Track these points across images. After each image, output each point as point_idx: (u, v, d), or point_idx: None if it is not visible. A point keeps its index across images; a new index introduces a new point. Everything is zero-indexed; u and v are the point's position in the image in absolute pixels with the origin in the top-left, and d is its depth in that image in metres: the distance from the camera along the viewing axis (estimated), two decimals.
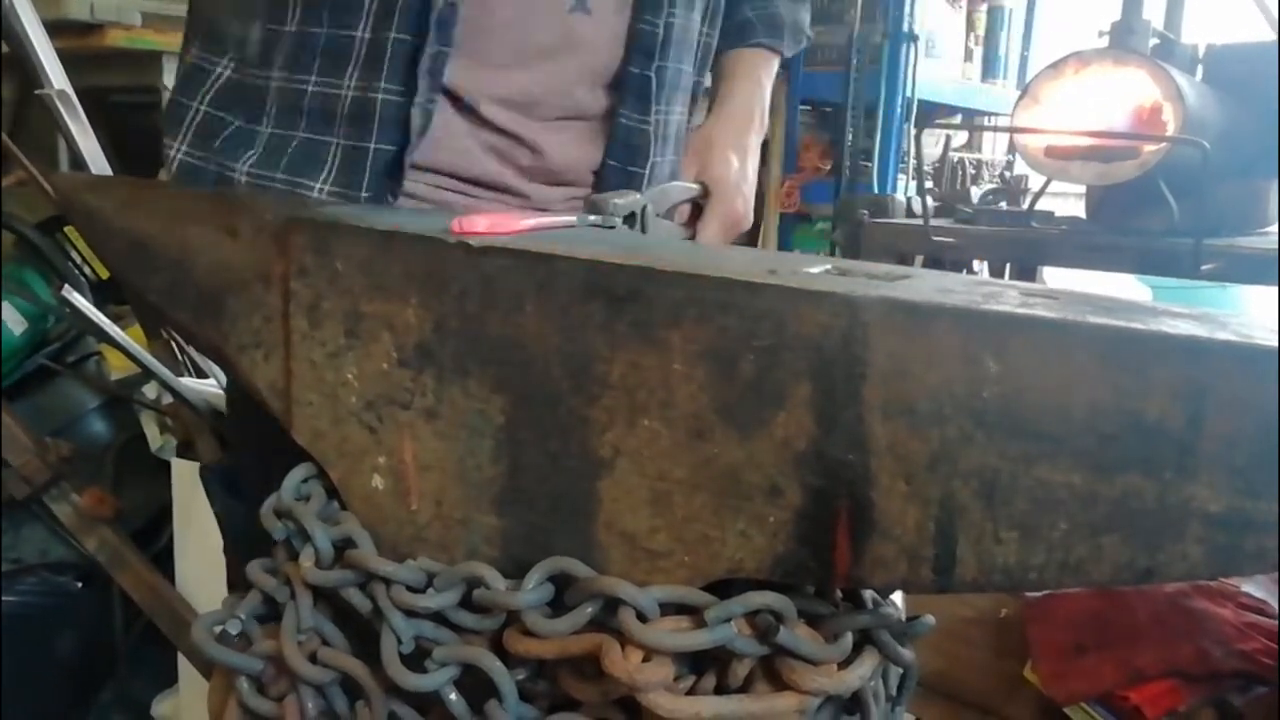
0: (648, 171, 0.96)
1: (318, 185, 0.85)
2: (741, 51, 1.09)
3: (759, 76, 1.09)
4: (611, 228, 0.79)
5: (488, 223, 0.64)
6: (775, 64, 1.11)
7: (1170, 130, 1.54)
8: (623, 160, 0.96)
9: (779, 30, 1.09)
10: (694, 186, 1.00)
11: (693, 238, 1.00)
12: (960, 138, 3.87)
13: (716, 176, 1.01)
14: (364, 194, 0.85)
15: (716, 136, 1.04)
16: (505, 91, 0.88)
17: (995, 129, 3.77)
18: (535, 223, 0.68)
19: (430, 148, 0.87)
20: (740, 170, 1.03)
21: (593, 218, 0.77)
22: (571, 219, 0.75)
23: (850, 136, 3.01)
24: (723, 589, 0.59)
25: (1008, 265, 2.30)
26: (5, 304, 1.97)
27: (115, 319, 1.89)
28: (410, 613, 0.63)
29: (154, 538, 2.08)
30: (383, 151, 0.85)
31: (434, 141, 0.87)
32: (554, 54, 0.90)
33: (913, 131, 2.94)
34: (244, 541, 0.73)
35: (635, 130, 0.95)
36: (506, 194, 0.93)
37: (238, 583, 0.74)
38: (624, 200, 0.81)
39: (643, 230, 0.83)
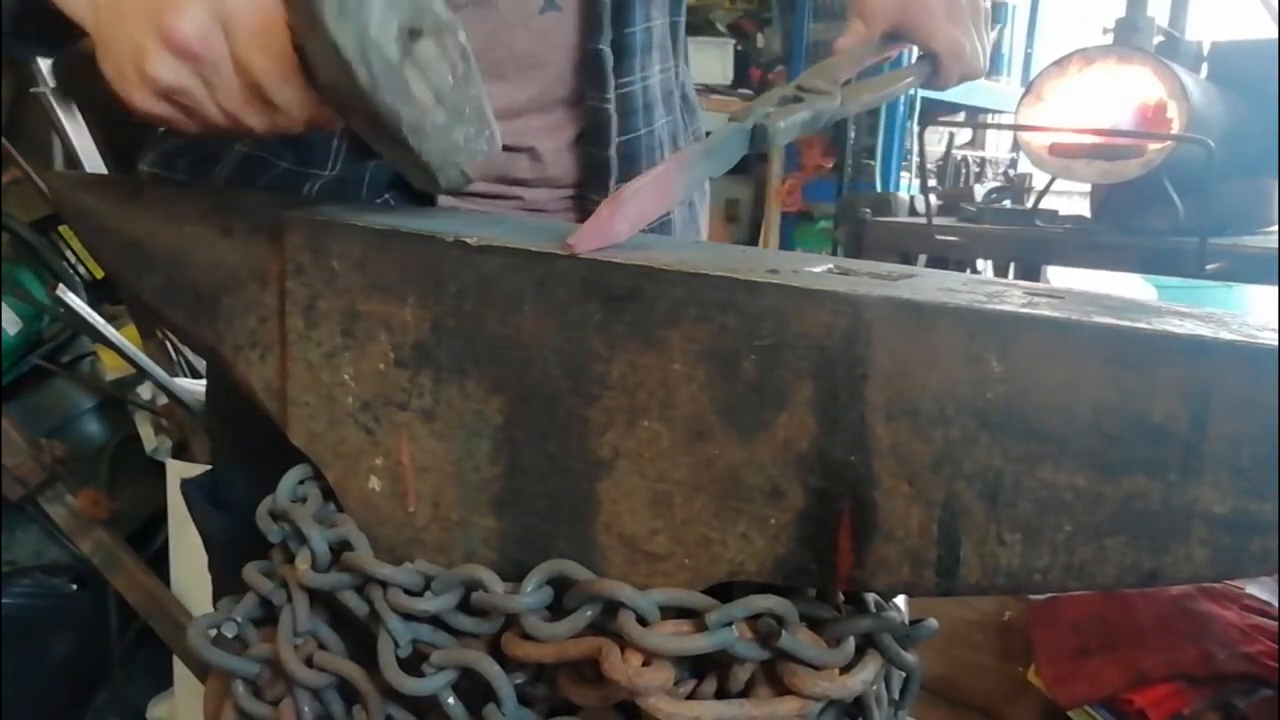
0: (613, 152, 0.91)
1: (326, 170, 0.84)
2: None
3: None
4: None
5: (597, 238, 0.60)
6: None
7: (1175, 128, 1.54)
8: (597, 145, 0.91)
9: None
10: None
11: None
12: (964, 135, 3.87)
13: (941, 41, 0.84)
14: (369, 169, 0.84)
15: None
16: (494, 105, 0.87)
17: (999, 127, 3.77)
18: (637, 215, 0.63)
19: None
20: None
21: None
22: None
23: (852, 134, 3.01)
24: (723, 592, 0.58)
25: (1011, 264, 2.29)
26: (1, 304, 1.97)
27: (110, 319, 1.89)
28: (408, 616, 0.62)
29: (149, 539, 2.08)
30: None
31: None
32: (531, 60, 0.88)
33: (915, 129, 2.94)
34: (230, 554, 0.73)
35: (598, 111, 0.90)
36: (500, 199, 0.91)
37: (224, 595, 0.74)
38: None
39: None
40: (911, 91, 2.94)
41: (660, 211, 0.67)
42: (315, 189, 0.84)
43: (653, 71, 0.96)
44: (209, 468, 0.95)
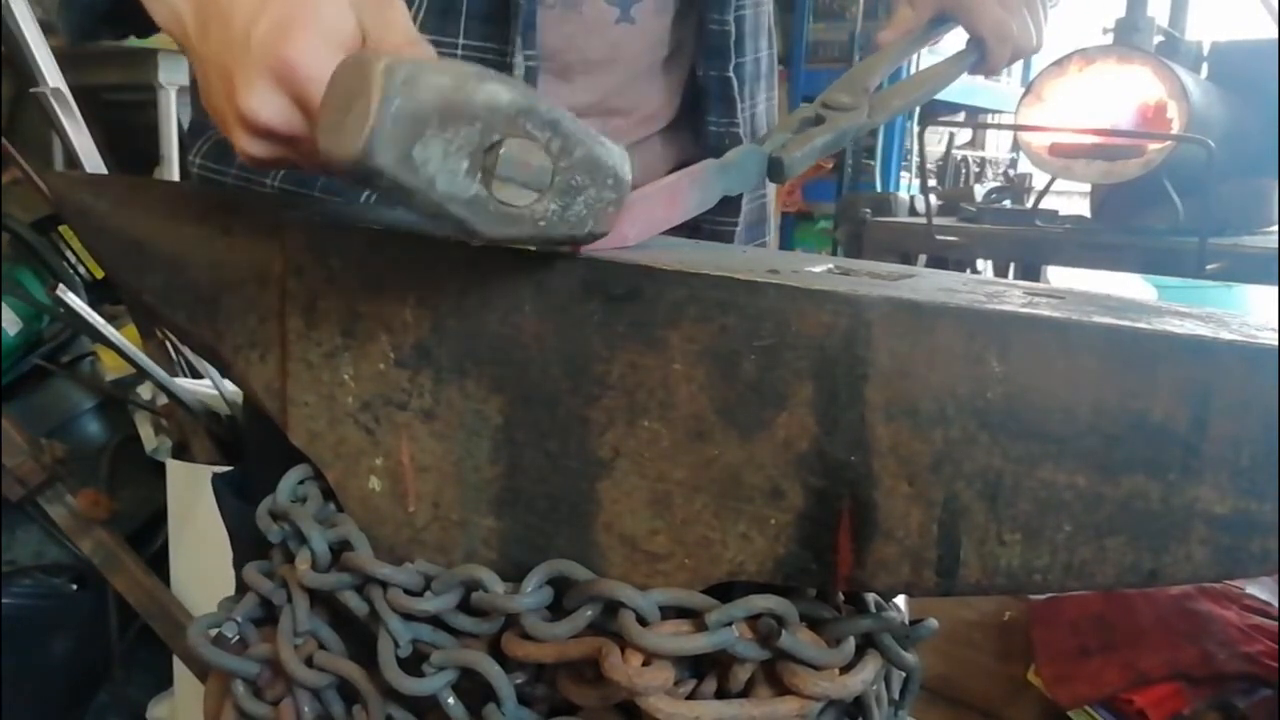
0: None
1: None
2: None
3: None
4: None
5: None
6: None
7: (1175, 128, 1.54)
8: None
9: None
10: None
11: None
12: (964, 135, 3.87)
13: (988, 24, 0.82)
14: None
15: None
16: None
17: (999, 127, 3.77)
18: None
19: None
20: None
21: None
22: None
23: None
24: (723, 592, 0.58)
25: (1011, 264, 2.30)
26: (1, 304, 1.97)
27: (110, 319, 1.89)
28: (408, 616, 0.62)
29: (149, 539, 2.08)
30: None
31: None
32: (600, 67, 0.88)
33: (916, 129, 2.94)
34: (254, 548, 0.73)
35: (725, 134, 0.90)
36: None
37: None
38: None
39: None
40: None
41: (670, 222, 0.65)
42: (373, 197, 0.84)
43: (759, 100, 0.96)
44: (230, 466, 0.94)
